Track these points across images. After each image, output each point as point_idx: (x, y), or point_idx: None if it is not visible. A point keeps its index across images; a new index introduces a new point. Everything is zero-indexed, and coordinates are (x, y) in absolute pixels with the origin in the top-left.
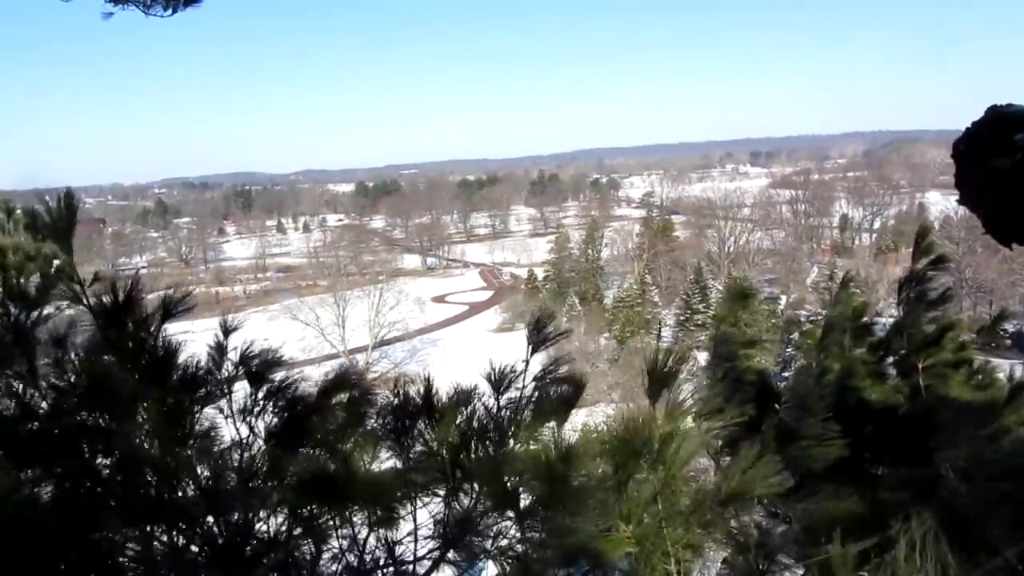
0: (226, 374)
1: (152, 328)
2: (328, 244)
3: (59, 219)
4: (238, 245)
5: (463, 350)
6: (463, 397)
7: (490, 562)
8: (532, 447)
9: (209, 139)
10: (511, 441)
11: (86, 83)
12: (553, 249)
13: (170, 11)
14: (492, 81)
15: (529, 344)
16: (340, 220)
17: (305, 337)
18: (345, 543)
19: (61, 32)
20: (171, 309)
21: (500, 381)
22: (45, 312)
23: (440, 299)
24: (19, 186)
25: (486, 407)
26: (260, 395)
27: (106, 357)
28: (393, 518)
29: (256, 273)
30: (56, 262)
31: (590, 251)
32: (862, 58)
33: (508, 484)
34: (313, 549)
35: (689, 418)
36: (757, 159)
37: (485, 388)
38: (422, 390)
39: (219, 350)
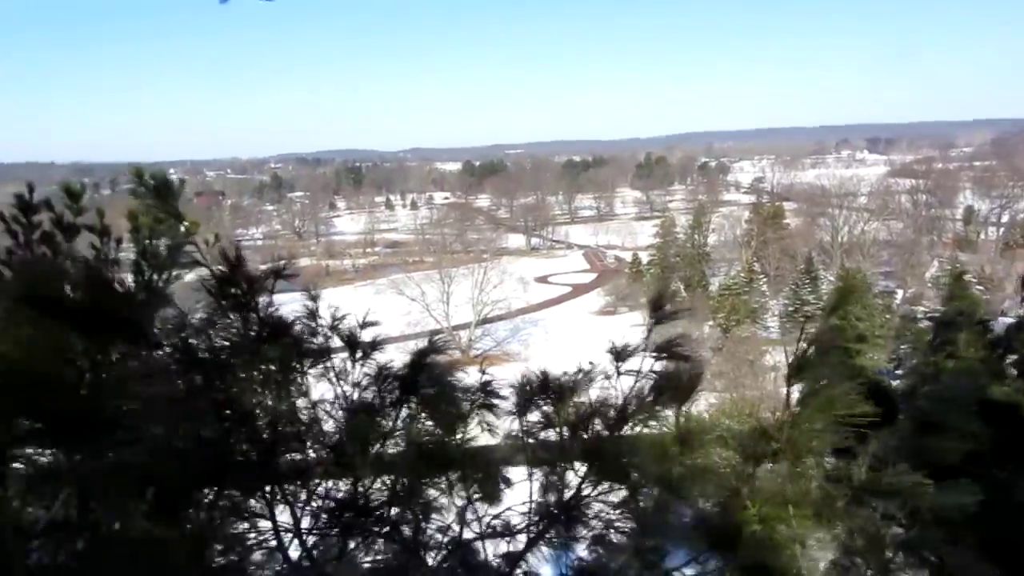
0: (323, 340)
1: (263, 288)
2: (434, 221)
3: (161, 185)
4: (348, 220)
5: (565, 331)
6: (582, 375)
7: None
8: (651, 427)
9: (323, 117)
10: (629, 420)
11: (210, 62)
12: (658, 233)
13: None
14: (600, 62)
15: (649, 320)
16: (446, 198)
17: (411, 312)
18: (448, 515)
19: (182, 15)
20: (280, 272)
21: (620, 356)
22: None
23: (543, 279)
24: (149, 158)
25: (605, 384)
26: (361, 361)
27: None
28: (498, 492)
29: (365, 248)
30: (184, 224)
31: (696, 236)
32: (994, 42)
33: (625, 463)
34: (421, 516)
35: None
36: (875, 146)
37: (602, 368)
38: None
39: (312, 316)
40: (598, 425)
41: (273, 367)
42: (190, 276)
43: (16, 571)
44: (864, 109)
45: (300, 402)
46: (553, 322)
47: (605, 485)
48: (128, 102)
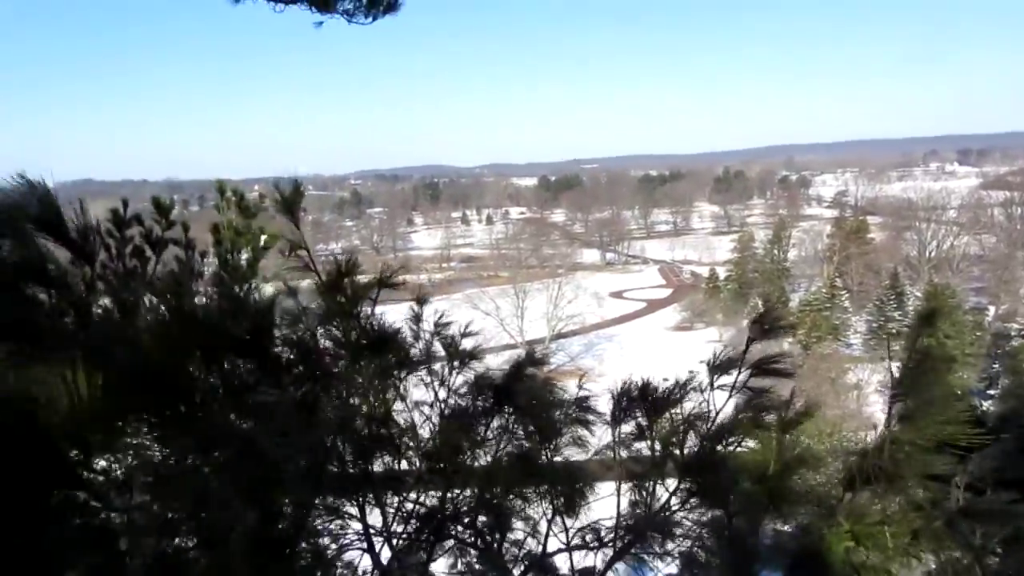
0: (425, 347)
1: (367, 297)
2: (510, 236)
3: (291, 200)
4: (425, 235)
5: (640, 347)
6: (678, 388)
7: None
8: (749, 442)
9: (402, 134)
10: (726, 436)
11: (293, 82)
12: (736, 248)
13: (370, 19)
14: (678, 77)
15: (751, 334)
16: (522, 213)
17: (485, 327)
18: (536, 526)
19: (268, 39)
20: (386, 281)
21: (716, 369)
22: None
23: (618, 295)
24: (236, 175)
25: (699, 397)
26: (459, 369)
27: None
28: (583, 505)
29: (441, 262)
30: (263, 238)
31: (776, 251)
32: None
33: (722, 479)
34: (507, 526)
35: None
36: (966, 157)
37: (696, 382)
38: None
39: (416, 322)
40: (692, 439)
41: (374, 372)
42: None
43: (109, 571)
44: (954, 119)
45: (397, 406)
46: (628, 338)
47: (694, 501)
48: (217, 121)
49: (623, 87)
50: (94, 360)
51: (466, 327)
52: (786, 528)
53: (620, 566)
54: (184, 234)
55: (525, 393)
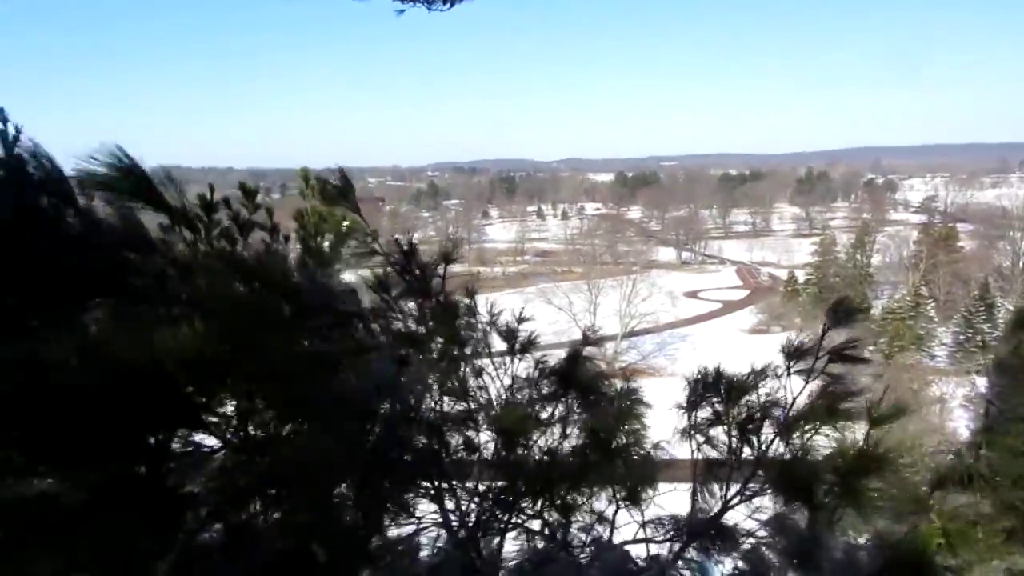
0: (481, 334)
1: (435, 275)
2: (585, 232)
3: (344, 187)
4: (500, 228)
5: (713, 348)
6: (755, 373)
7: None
8: (823, 433)
9: (480, 127)
10: (801, 425)
11: (372, 74)
12: (817, 251)
13: (449, 5)
14: (761, 74)
15: (827, 323)
16: (598, 209)
17: (557, 321)
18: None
19: (348, 31)
20: (449, 256)
21: (792, 356)
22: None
23: (692, 294)
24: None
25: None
26: (519, 355)
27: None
28: (647, 495)
29: (515, 256)
30: (345, 224)
31: (859, 256)
32: None
33: (802, 469)
34: (570, 513)
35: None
36: None
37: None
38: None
39: (471, 312)
40: (768, 428)
41: (448, 346)
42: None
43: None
44: None
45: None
46: (701, 338)
47: (765, 497)
48: (298, 111)
49: (703, 84)
50: (204, 318)
51: (520, 314)
52: (871, 525)
53: (690, 555)
54: (269, 219)
55: (588, 378)
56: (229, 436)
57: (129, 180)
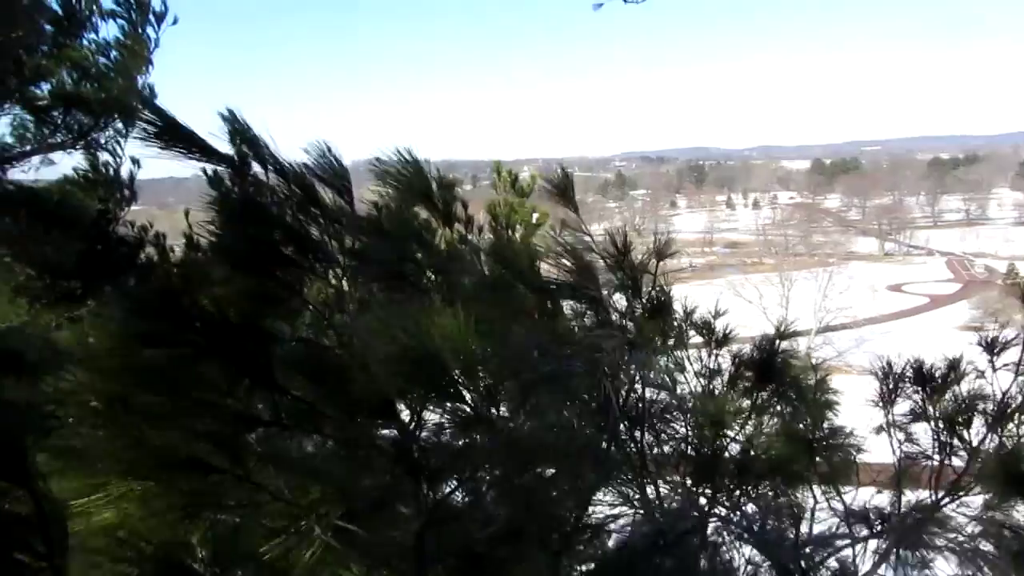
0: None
1: (647, 271)
2: (777, 222)
3: (562, 184)
4: (688, 218)
5: (919, 346)
6: (955, 365)
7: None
8: None
9: (668, 115)
10: (1012, 417)
11: (561, 65)
12: None
13: None
14: (976, 46)
15: None
16: (792, 198)
17: (746, 314)
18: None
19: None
20: (664, 252)
21: (993, 348)
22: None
23: (896, 288)
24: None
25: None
26: (716, 348)
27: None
28: (841, 489)
29: (703, 247)
30: (535, 215)
31: None
32: None
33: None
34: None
35: None
36: None
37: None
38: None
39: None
40: (978, 422)
41: (655, 340)
42: None
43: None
44: None
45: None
46: (905, 335)
47: (985, 496)
48: (491, 104)
49: (910, 63)
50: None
51: (716, 308)
52: None
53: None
54: (464, 210)
55: (785, 372)
56: (480, 410)
57: (417, 178)
